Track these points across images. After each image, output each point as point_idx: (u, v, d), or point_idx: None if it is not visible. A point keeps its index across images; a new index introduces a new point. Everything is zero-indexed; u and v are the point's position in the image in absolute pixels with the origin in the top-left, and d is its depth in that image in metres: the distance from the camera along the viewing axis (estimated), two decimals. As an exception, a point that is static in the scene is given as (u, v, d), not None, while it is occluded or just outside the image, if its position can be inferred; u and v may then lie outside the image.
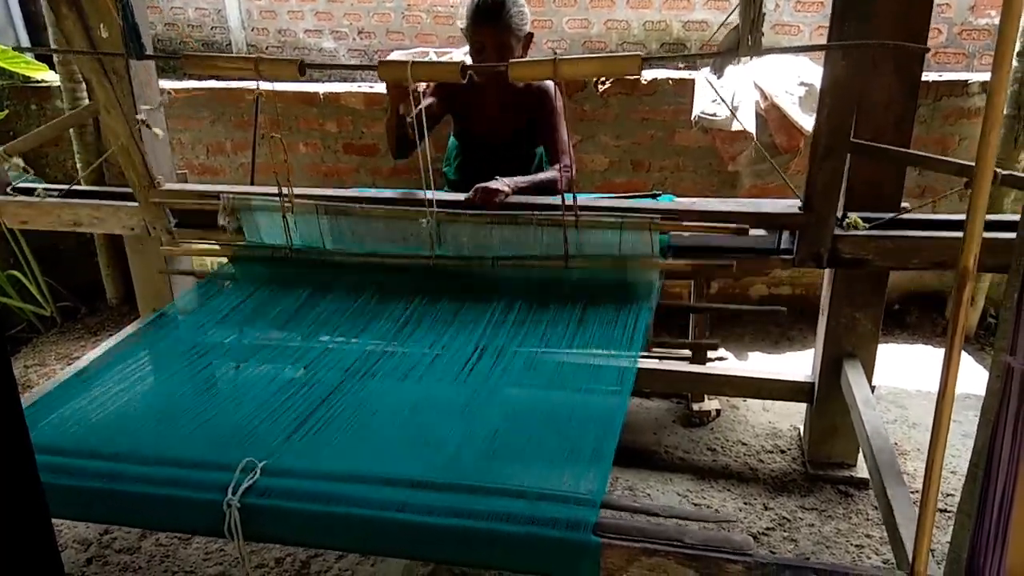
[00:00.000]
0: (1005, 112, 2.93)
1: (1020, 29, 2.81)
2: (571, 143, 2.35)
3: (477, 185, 2.13)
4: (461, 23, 2.36)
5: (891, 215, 2.07)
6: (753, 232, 2.06)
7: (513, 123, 2.45)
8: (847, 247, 2.03)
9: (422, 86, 2.34)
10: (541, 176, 2.31)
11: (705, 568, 1.20)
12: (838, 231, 2.03)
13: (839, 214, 2.08)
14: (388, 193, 2.38)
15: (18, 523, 0.72)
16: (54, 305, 3.55)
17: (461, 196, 2.15)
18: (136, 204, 2.40)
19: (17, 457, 0.72)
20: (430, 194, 2.01)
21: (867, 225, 2.06)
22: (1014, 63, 2.86)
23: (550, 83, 2.42)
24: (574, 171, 2.32)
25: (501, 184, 2.13)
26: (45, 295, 3.51)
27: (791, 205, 2.06)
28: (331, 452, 1.42)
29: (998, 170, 1.89)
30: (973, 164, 1.05)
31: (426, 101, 2.37)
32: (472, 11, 2.29)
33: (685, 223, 2.01)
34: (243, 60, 1.87)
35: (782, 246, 2.11)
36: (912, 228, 2.06)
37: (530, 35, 2.35)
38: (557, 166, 2.36)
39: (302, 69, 1.80)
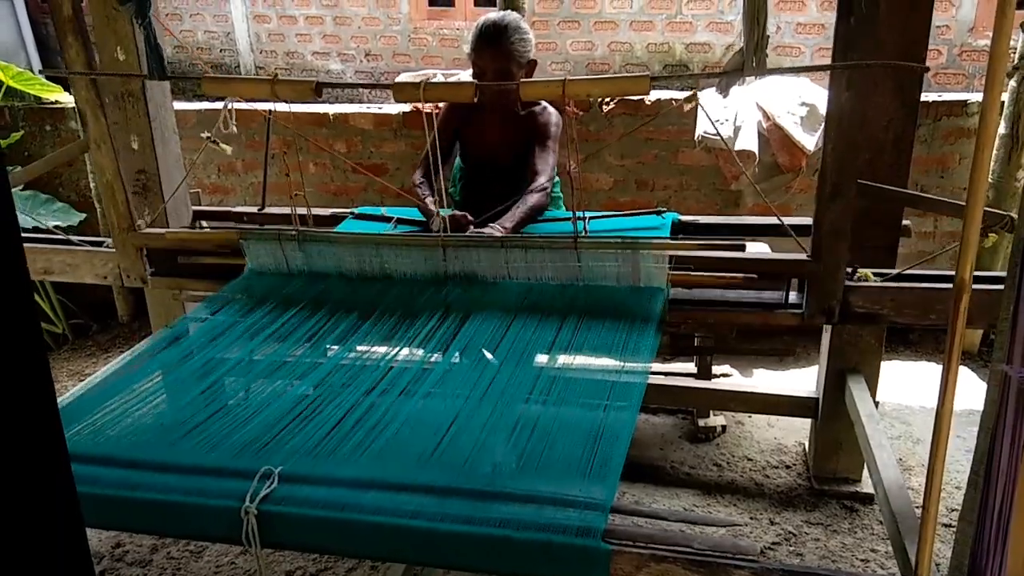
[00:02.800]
0: (1000, 131, 2.97)
1: (1018, 48, 2.86)
2: (576, 164, 2.36)
3: (474, 229, 2.16)
4: (467, 47, 2.41)
5: (904, 269, 1.99)
6: (753, 293, 1.99)
7: (515, 147, 2.48)
8: (859, 300, 1.94)
9: (430, 107, 2.38)
10: (525, 208, 2.28)
11: (712, 574, 1.23)
12: (848, 283, 1.93)
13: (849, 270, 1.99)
14: (399, 214, 2.43)
15: (54, 531, 0.74)
16: (66, 323, 3.60)
17: (463, 234, 2.16)
18: (111, 251, 2.33)
19: (53, 466, 0.75)
20: (442, 212, 2.05)
21: (878, 279, 1.96)
22: (1012, 83, 2.91)
23: (554, 112, 2.45)
24: (549, 186, 2.33)
25: (496, 230, 2.15)
26: (57, 313, 3.56)
27: (798, 254, 1.97)
28: (345, 461, 1.45)
29: (1014, 216, 1.89)
30: (963, 204, 1.08)
31: (444, 131, 2.41)
32: (475, 36, 2.33)
33: (691, 275, 1.97)
34: (261, 82, 1.92)
35: (790, 301, 2.01)
36: (927, 280, 1.95)
37: (533, 62, 2.39)
38: (534, 187, 2.33)
39: (318, 90, 1.85)
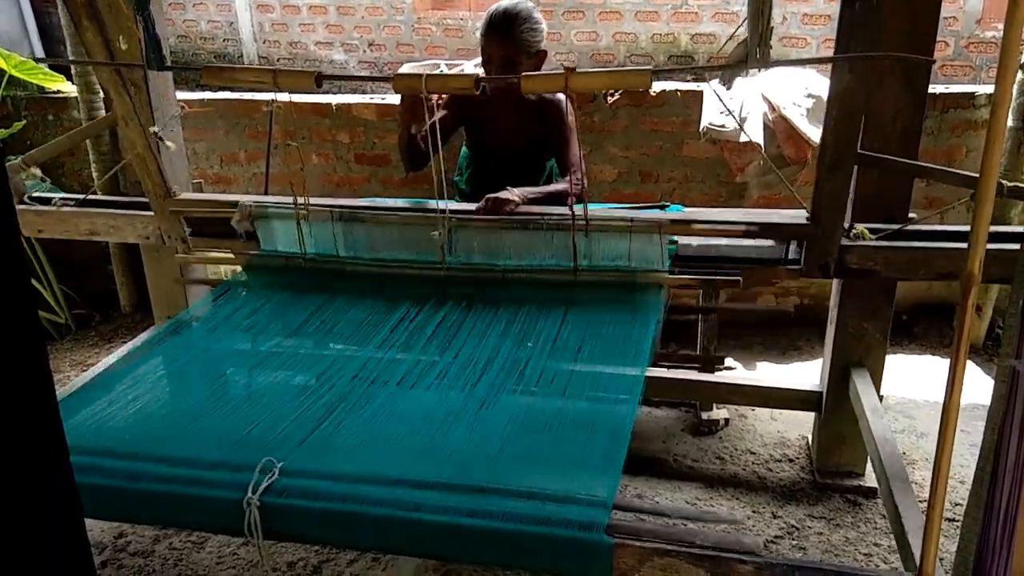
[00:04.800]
0: (1010, 124, 2.95)
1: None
2: (582, 156, 2.37)
3: (488, 195, 2.16)
4: (473, 36, 2.40)
5: (898, 226, 2.08)
6: (760, 242, 2.08)
7: (525, 135, 2.48)
8: (854, 257, 2.04)
9: (434, 97, 2.37)
10: (552, 187, 2.35)
11: (716, 568, 1.22)
12: (845, 242, 2.04)
13: (846, 225, 2.09)
14: (401, 202, 2.42)
15: (53, 521, 0.74)
16: (69, 313, 3.59)
17: (472, 206, 2.18)
18: (151, 213, 2.44)
19: (53, 456, 0.74)
20: (442, 204, 2.04)
21: (874, 236, 2.07)
22: (1020, 75, 2.88)
23: (562, 97, 2.45)
24: (585, 183, 2.34)
25: (511, 194, 2.16)
26: (60, 303, 3.56)
27: (798, 216, 2.08)
28: (347, 454, 1.45)
29: (1004, 182, 1.91)
30: (977, 175, 1.07)
31: (439, 113, 2.40)
32: (485, 22, 2.32)
33: (693, 226, 2.03)
34: (262, 72, 1.91)
35: (790, 256, 2.12)
36: (919, 239, 2.07)
37: (543, 52, 2.38)
38: (567, 178, 2.39)
39: (319, 81, 1.84)
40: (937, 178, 2.14)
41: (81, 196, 2.61)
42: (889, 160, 2.03)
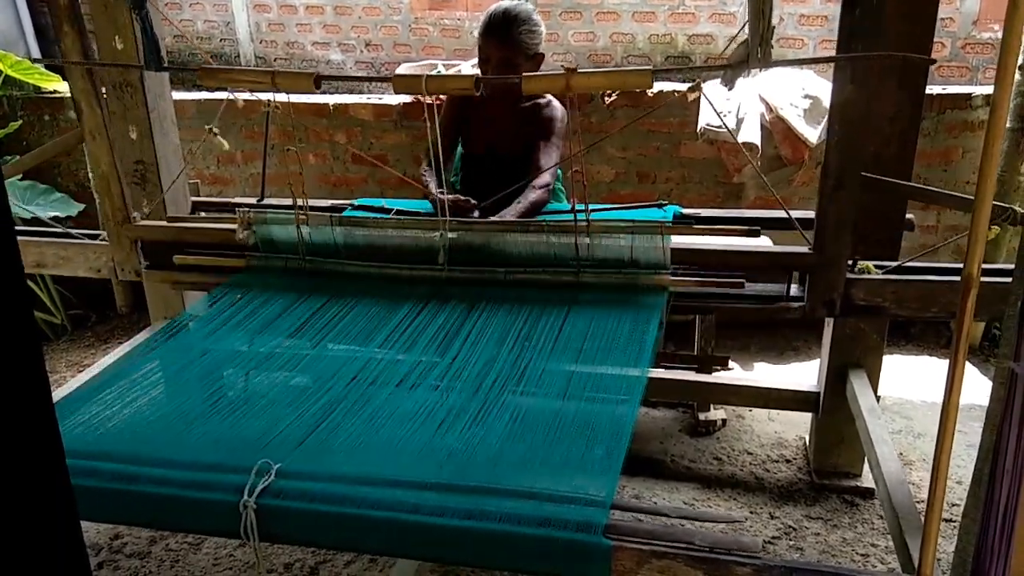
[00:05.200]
0: (1008, 125, 2.95)
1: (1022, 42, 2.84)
2: (581, 157, 2.35)
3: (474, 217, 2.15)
4: (471, 36, 2.39)
5: (905, 261, 1.97)
6: (754, 286, 1.97)
7: (519, 138, 2.47)
8: (861, 293, 1.92)
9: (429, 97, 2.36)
10: (525, 203, 2.28)
11: (714, 570, 1.22)
12: (849, 275, 1.93)
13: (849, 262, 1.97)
14: (399, 203, 2.42)
15: (49, 523, 0.74)
16: (64, 313, 3.59)
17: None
18: (105, 243, 2.31)
19: (48, 458, 0.74)
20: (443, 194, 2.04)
21: (879, 271, 1.95)
22: (1017, 76, 2.89)
23: (559, 106, 2.43)
24: (559, 187, 2.32)
25: None
26: (56, 303, 3.55)
27: (800, 248, 1.97)
28: (344, 456, 1.44)
29: (1017, 208, 1.88)
30: (971, 198, 1.07)
31: (448, 118, 2.39)
32: (484, 23, 2.32)
33: (693, 227, 1.98)
34: (260, 73, 1.90)
35: (791, 295, 2.00)
36: (929, 272, 1.96)
37: (540, 55, 2.37)
38: (533, 184, 2.32)
39: (317, 82, 1.83)
40: (936, 203, 2.11)
41: (31, 228, 2.46)
42: (890, 183, 1.99)
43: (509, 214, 2.21)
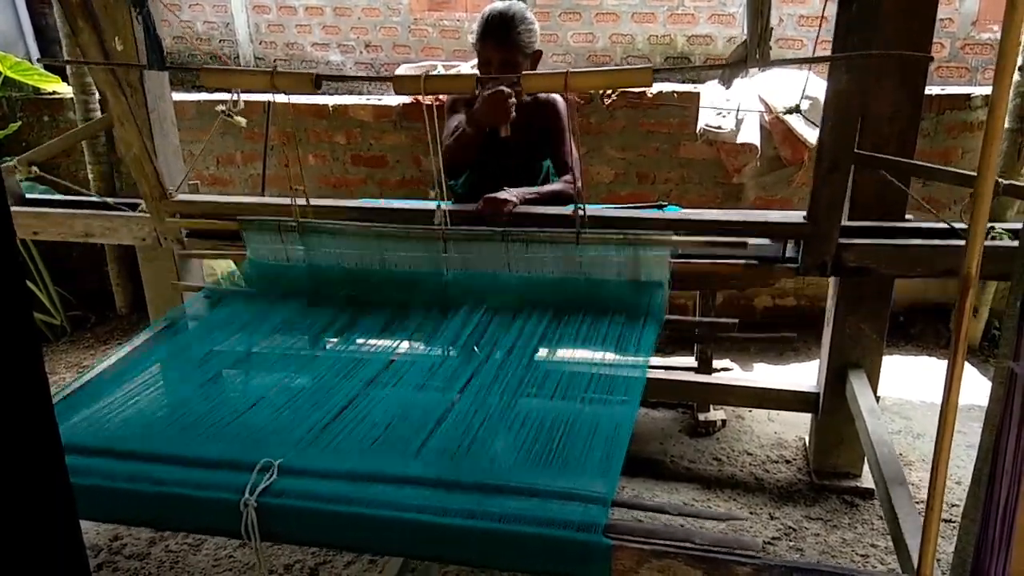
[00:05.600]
0: (1007, 125, 2.96)
1: (1021, 43, 2.84)
2: (579, 157, 2.36)
3: (485, 196, 2.16)
4: (471, 37, 2.39)
5: (895, 223, 2.08)
6: (758, 241, 2.07)
7: (521, 137, 2.47)
8: (852, 256, 2.03)
9: (428, 98, 2.36)
10: (548, 188, 2.34)
11: (714, 570, 1.22)
12: (843, 240, 2.03)
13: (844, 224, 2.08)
14: (399, 204, 2.42)
15: (49, 523, 0.74)
16: (64, 314, 3.58)
17: (471, 206, 2.17)
18: (147, 215, 2.42)
19: (48, 458, 0.74)
20: (444, 205, 2.04)
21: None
22: (1016, 76, 2.89)
23: (559, 98, 2.45)
24: (580, 184, 2.34)
25: (509, 195, 2.16)
26: (55, 304, 3.55)
27: (796, 216, 2.08)
28: (345, 455, 1.44)
29: (1000, 180, 1.92)
30: (973, 174, 1.07)
31: (455, 119, 2.40)
32: (481, 26, 2.32)
33: (691, 237, 2.03)
34: (260, 73, 1.90)
35: (787, 256, 2.11)
36: (917, 236, 2.07)
37: (538, 52, 2.38)
38: (564, 178, 2.39)
39: (317, 83, 1.83)
40: (933, 177, 2.14)
41: (76, 197, 2.60)
42: (886, 159, 2.03)
43: (530, 191, 2.25)
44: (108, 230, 2.50)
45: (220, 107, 2.12)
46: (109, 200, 2.54)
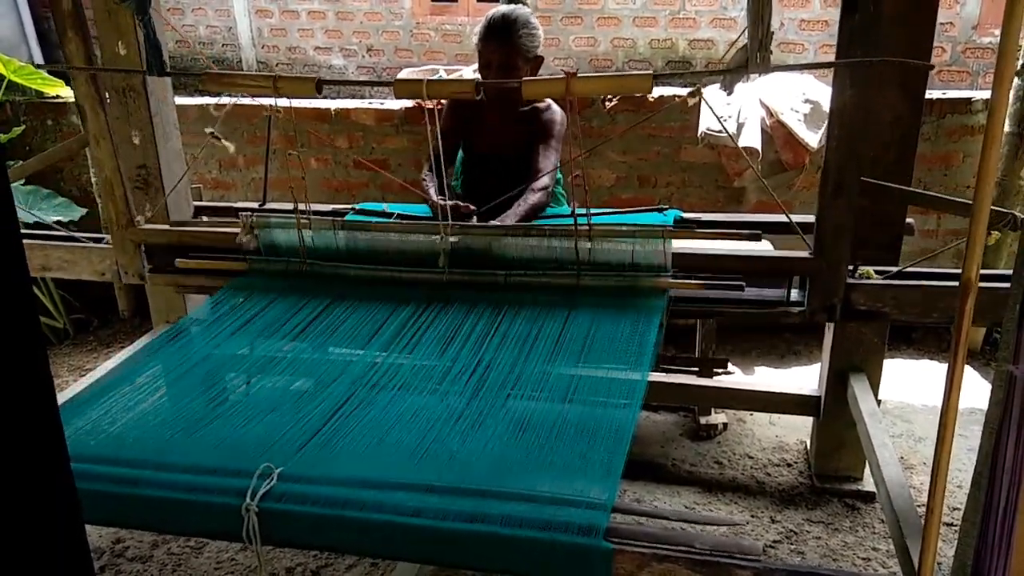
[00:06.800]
0: (1007, 129, 2.96)
1: (1021, 47, 2.85)
2: (580, 160, 2.35)
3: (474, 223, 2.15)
4: (475, 38, 2.40)
5: (905, 266, 1.98)
6: (754, 291, 1.99)
7: (518, 141, 2.48)
8: (861, 298, 1.93)
9: (430, 102, 2.37)
10: (525, 206, 2.28)
11: (715, 574, 1.22)
12: (850, 280, 1.94)
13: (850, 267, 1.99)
14: (400, 208, 2.42)
15: (53, 527, 0.74)
16: (67, 318, 3.59)
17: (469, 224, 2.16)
18: (109, 246, 2.33)
19: (53, 461, 0.74)
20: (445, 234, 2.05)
21: (880, 276, 1.95)
22: (1016, 81, 2.90)
23: (558, 109, 2.44)
24: (558, 190, 2.32)
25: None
26: (58, 307, 3.56)
27: (800, 252, 1.99)
28: (346, 459, 1.45)
29: (1018, 214, 1.88)
30: (970, 202, 1.07)
31: (449, 134, 2.39)
32: (483, 27, 2.33)
33: (695, 231, 1.99)
34: (262, 78, 1.91)
35: (792, 299, 2.02)
36: (929, 277, 1.95)
37: (540, 58, 2.39)
38: (531, 187, 2.32)
39: (319, 87, 1.84)
40: (935, 208, 2.11)
41: (31, 223, 2.51)
42: (893, 189, 1.99)
43: (509, 217, 2.22)
44: (67, 263, 2.39)
45: (208, 130, 2.12)
46: (69, 233, 2.43)
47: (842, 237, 1.88)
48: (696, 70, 5.24)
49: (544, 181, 2.32)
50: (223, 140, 2.08)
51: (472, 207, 2.20)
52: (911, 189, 2.04)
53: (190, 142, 3.09)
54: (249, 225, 2.15)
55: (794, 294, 2.01)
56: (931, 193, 2.11)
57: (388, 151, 3.46)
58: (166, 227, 2.32)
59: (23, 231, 2.43)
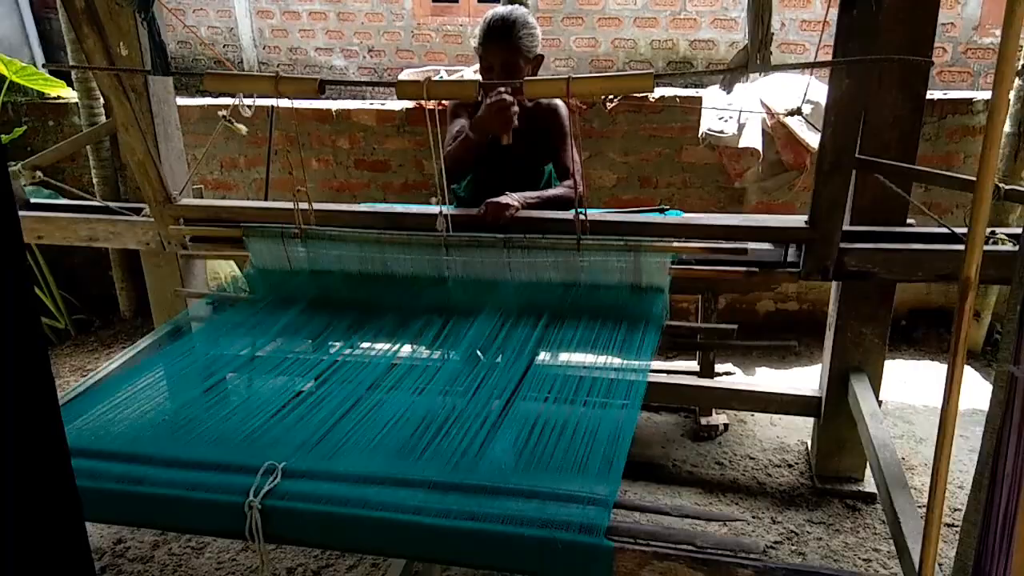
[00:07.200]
0: (1007, 129, 2.96)
1: (1021, 48, 2.85)
2: (580, 161, 2.37)
3: (487, 200, 2.16)
4: (474, 41, 2.40)
5: (892, 228, 2.08)
6: (759, 246, 2.07)
7: (523, 141, 2.48)
8: (853, 260, 2.03)
9: (431, 104, 2.37)
10: (550, 192, 2.34)
11: (715, 572, 1.22)
12: (844, 244, 2.03)
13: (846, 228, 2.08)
14: (402, 208, 2.43)
15: (53, 525, 0.74)
16: (68, 318, 3.60)
17: (473, 211, 2.18)
18: (151, 219, 2.43)
19: (54, 460, 0.74)
20: (446, 209, 2.05)
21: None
22: (1016, 81, 2.90)
23: (560, 103, 2.45)
24: (583, 188, 2.34)
25: (511, 199, 2.16)
26: (60, 308, 3.56)
27: (797, 220, 2.08)
28: (348, 456, 1.45)
29: (1000, 184, 1.92)
30: (973, 178, 1.08)
31: (457, 124, 2.41)
32: (483, 31, 2.33)
33: (694, 243, 2.02)
34: (264, 78, 1.91)
35: (789, 260, 2.11)
36: (917, 240, 2.08)
37: (540, 57, 2.39)
38: (566, 183, 2.40)
39: (322, 87, 1.84)
40: (933, 182, 2.14)
41: (80, 202, 2.60)
42: (887, 164, 2.03)
43: (532, 195, 2.25)
44: (112, 234, 2.51)
45: (222, 112, 2.14)
46: (112, 204, 2.55)
47: (836, 210, 1.97)
48: (695, 70, 5.24)
49: (577, 179, 2.34)
50: (235, 123, 2.10)
51: (514, 202, 2.19)
52: (906, 165, 2.06)
53: (192, 142, 3.10)
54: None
55: (791, 255, 2.10)
56: (929, 169, 2.15)
57: (389, 152, 3.46)
58: (203, 202, 2.47)
59: (68, 203, 2.64)
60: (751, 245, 2.06)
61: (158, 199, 2.37)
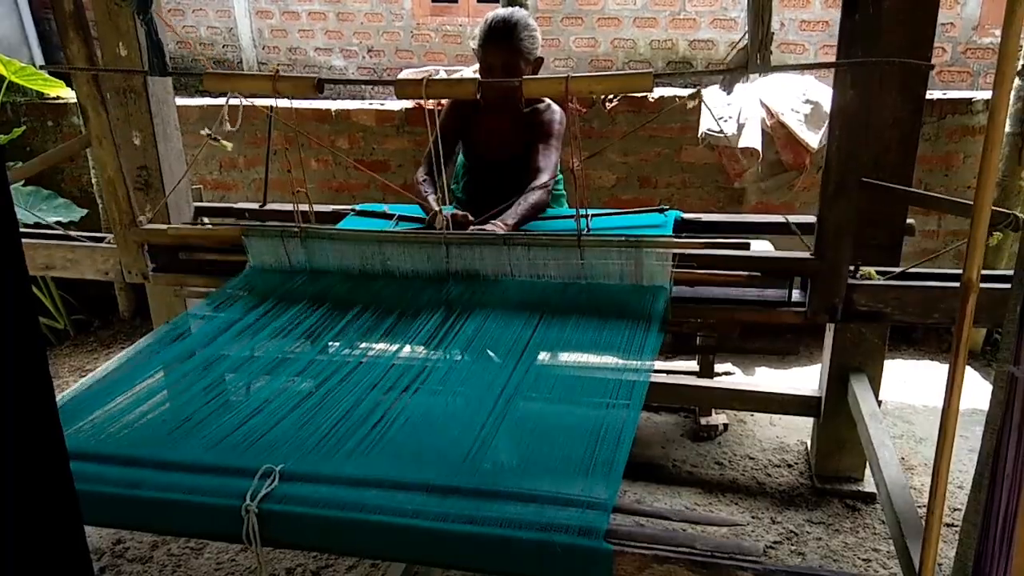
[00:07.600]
0: (1007, 130, 2.96)
1: (1021, 47, 2.85)
2: (579, 161, 2.34)
3: (474, 228, 2.14)
4: (473, 43, 2.39)
5: (907, 267, 1.98)
6: (755, 291, 1.99)
7: (518, 143, 2.47)
8: (863, 298, 1.91)
9: (431, 103, 2.37)
10: (525, 206, 2.27)
11: (715, 575, 1.22)
12: (851, 280, 1.92)
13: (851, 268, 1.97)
14: (401, 209, 2.43)
15: (51, 527, 0.74)
16: (68, 318, 3.60)
17: (464, 233, 2.15)
18: (114, 247, 2.32)
19: (52, 462, 0.74)
20: (446, 210, 2.05)
21: (881, 278, 1.93)
22: (1016, 81, 2.90)
23: (558, 110, 2.44)
24: (556, 187, 2.31)
25: (497, 228, 2.14)
26: (59, 308, 3.56)
27: (802, 253, 1.97)
28: (346, 459, 1.44)
29: (1020, 215, 1.88)
30: (970, 203, 1.07)
31: (446, 128, 2.40)
32: (483, 32, 2.33)
33: (696, 272, 1.95)
34: (263, 78, 1.91)
35: (793, 297, 2.00)
36: (931, 278, 1.94)
37: (539, 59, 2.39)
38: (534, 184, 2.31)
39: (320, 86, 1.84)
40: (936, 208, 2.10)
41: (32, 224, 2.49)
42: (893, 189, 1.98)
43: (509, 217, 2.21)
44: (70, 262, 2.38)
45: (205, 131, 2.09)
46: (71, 233, 2.43)
47: (844, 237, 1.86)
48: (694, 70, 5.24)
49: (543, 179, 2.31)
50: (221, 140, 2.06)
51: (471, 217, 2.17)
52: (911, 190, 2.03)
53: (191, 143, 3.10)
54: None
55: (795, 295, 2.00)
56: (931, 193, 2.11)
57: (388, 152, 3.46)
58: (168, 226, 2.32)
59: (26, 231, 2.46)
60: (752, 247, 2.04)
61: (123, 222, 2.26)
